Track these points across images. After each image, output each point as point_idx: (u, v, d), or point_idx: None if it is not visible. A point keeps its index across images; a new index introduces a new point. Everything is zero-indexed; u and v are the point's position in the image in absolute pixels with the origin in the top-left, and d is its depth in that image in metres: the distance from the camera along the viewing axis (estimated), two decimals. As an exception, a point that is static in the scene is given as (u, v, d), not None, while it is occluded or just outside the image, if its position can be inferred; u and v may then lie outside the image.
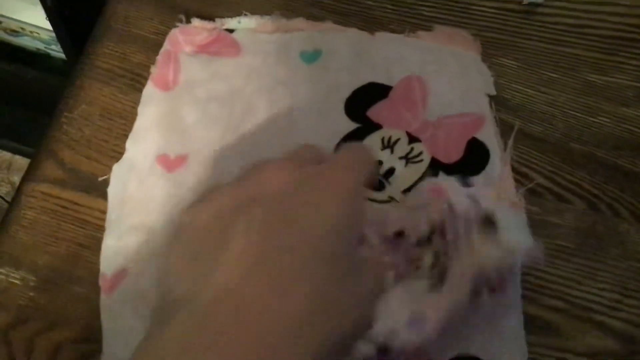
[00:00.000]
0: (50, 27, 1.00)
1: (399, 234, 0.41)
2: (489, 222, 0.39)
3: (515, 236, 0.39)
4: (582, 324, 0.42)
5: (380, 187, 0.46)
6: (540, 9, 0.51)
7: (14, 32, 1.12)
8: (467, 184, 0.41)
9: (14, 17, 1.08)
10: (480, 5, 0.51)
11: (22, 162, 1.23)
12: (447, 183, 0.42)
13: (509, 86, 0.49)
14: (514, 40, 0.50)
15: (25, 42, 1.14)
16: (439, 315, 0.37)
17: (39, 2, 0.91)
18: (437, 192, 0.42)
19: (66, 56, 1.04)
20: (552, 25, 0.51)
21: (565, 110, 0.48)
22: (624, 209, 0.45)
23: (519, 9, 0.51)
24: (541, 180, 0.46)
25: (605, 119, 0.48)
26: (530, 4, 0.51)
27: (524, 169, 0.46)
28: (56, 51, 1.13)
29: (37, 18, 1.06)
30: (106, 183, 0.46)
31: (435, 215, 0.40)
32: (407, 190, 0.45)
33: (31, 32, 1.10)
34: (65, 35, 0.95)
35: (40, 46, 1.14)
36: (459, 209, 0.40)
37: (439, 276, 0.39)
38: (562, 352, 0.42)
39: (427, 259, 0.40)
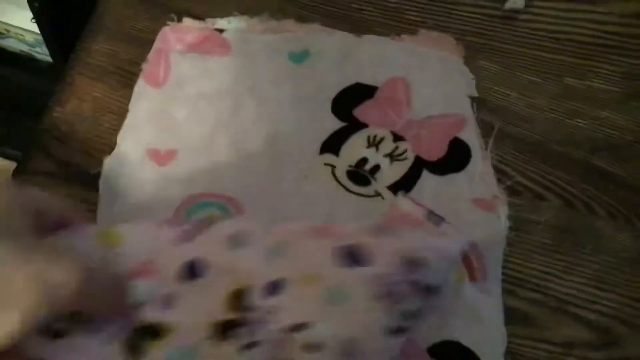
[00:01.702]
0: (35, 30, 1.00)
1: (415, 261, 0.37)
2: None
3: None
4: (559, 316, 0.44)
5: (366, 182, 0.47)
6: (520, 15, 0.53)
7: (-1, 34, 1.12)
8: None
9: (-1, 19, 1.08)
10: (462, 11, 0.53)
11: (6, 165, 1.22)
12: None
13: (491, 88, 0.50)
14: (495, 45, 0.52)
15: (10, 44, 1.14)
16: None
17: (26, 4, 0.91)
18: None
19: (52, 58, 1.04)
20: (532, 31, 0.52)
21: (544, 112, 0.50)
22: (599, 207, 0.47)
23: (499, 14, 0.53)
24: (520, 178, 0.48)
25: (582, 121, 0.50)
26: (510, 10, 0.53)
27: (504, 167, 0.48)
28: (41, 53, 1.13)
29: (23, 20, 1.06)
30: (97, 176, 0.46)
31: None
32: (392, 185, 0.47)
33: (16, 34, 1.10)
34: (51, 37, 0.96)
35: (25, 48, 1.14)
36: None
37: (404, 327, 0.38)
38: (539, 342, 0.43)
39: (415, 303, 0.38)
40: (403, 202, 0.41)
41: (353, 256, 0.38)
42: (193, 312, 0.38)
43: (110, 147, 0.48)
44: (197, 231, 0.39)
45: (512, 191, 0.47)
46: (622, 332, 0.44)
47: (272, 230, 0.39)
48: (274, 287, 0.38)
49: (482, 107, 0.49)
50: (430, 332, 0.42)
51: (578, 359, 0.43)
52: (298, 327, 0.37)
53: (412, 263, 0.37)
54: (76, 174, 0.47)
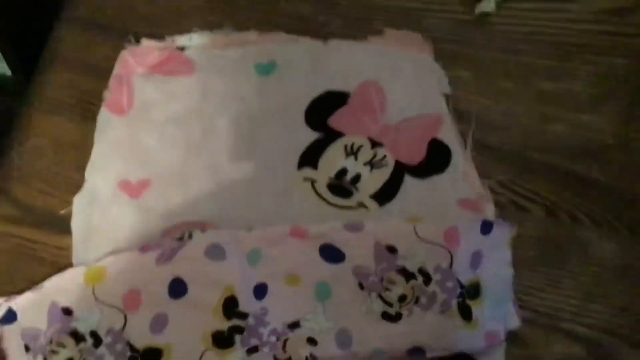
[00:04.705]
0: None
1: (391, 249, 0.42)
2: (474, 291, 0.41)
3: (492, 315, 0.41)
4: (549, 333, 0.43)
5: (348, 194, 0.46)
6: (491, 19, 0.51)
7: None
8: (486, 231, 0.43)
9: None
10: (433, 17, 0.51)
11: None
12: (467, 227, 0.43)
13: (465, 98, 0.49)
14: (467, 52, 0.50)
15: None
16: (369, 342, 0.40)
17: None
18: (453, 237, 0.42)
19: (12, 72, 1.01)
20: (504, 34, 0.51)
21: (520, 119, 0.48)
22: (582, 215, 0.46)
23: (471, 19, 0.51)
24: (500, 190, 0.46)
25: (560, 126, 0.48)
26: (481, 13, 0.51)
27: (482, 180, 0.46)
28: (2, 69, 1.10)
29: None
30: (63, 218, 0.44)
31: (437, 259, 0.42)
32: (375, 194, 0.46)
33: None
34: (11, 52, 0.93)
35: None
36: (457, 268, 0.41)
37: (396, 312, 0.41)
38: (532, 361, 0.42)
39: (400, 289, 0.41)
40: None
41: (331, 252, 0.42)
42: (186, 328, 0.41)
43: (74, 185, 0.45)
44: (174, 250, 0.42)
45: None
46: (613, 344, 0.43)
47: (247, 238, 0.43)
48: (259, 291, 0.41)
49: (458, 117, 0.48)
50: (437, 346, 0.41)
51: (572, 375, 0.42)
52: (292, 326, 0.41)
53: (386, 250, 0.42)
54: (40, 217, 0.45)
